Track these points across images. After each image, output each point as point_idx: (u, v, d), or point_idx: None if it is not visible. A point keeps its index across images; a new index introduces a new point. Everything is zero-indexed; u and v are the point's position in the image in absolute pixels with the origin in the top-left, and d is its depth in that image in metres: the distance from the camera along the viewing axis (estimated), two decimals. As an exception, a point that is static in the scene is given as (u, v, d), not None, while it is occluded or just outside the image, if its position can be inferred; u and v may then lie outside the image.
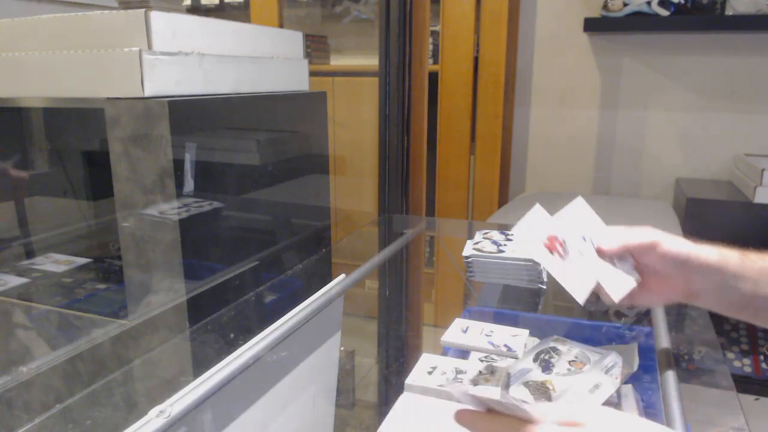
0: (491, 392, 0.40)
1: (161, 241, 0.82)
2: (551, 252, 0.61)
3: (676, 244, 0.58)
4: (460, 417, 0.43)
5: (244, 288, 0.96)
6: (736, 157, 1.68)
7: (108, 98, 0.81)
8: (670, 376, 0.63)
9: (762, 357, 1.48)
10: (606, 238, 0.61)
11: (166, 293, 0.84)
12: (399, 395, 0.60)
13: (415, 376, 0.62)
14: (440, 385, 0.61)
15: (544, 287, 0.93)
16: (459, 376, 0.61)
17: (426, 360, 0.65)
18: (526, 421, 0.39)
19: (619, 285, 0.61)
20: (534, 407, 0.39)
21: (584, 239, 0.62)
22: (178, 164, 0.80)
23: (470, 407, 0.43)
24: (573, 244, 0.62)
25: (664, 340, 0.72)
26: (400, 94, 1.40)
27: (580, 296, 0.60)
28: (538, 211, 0.63)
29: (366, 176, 2.05)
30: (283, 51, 1.13)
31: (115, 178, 0.82)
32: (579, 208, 0.64)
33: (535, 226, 0.62)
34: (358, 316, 0.96)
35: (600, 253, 0.61)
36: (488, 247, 0.99)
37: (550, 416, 0.39)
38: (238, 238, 0.99)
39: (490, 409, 0.42)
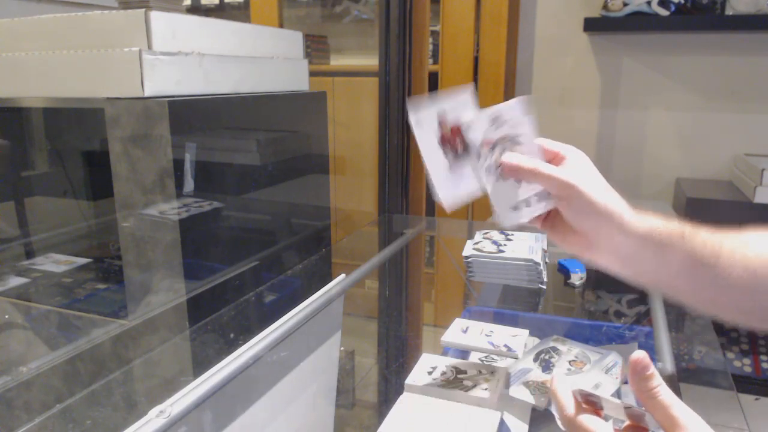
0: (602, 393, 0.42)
1: (161, 241, 0.82)
2: (445, 144, 0.53)
3: (602, 196, 0.52)
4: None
5: (244, 288, 0.96)
6: (736, 157, 1.68)
7: (108, 98, 0.81)
8: (670, 376, 0.63)
9: (762, 357, 1.48)
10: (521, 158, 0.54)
11: (166, 293, 0.84)
12: (399, 395, 0.60)
13: (415, 376, 0.61)
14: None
15: (544, 287, 0.93)
16: (459, 376, 0.61)
17: (426, 360, 0.65)
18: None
19: (509, 208, 0.53)
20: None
21: (497, 145, 0.54)
22: (178, 164, 0.80)
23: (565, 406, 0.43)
24: (478, 141, 0.54)
25: (664, 340, 0.72)
26: (400, 94, 1.40)
27: (447, 202, 0.54)
28: (466, 93, 0.54)
29: (366, 176, 2.05)
30: (283, 51, 1.13)
31: (115, 178, 0.82)
32: (517, 108, 0.55)
33: (449, 109, 0.54)
34: (358, 316, 0.96)
35: (505, 168, 0.54)
36: (488, 247, 0.99)
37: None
38: (238, 238, 0.99)
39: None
